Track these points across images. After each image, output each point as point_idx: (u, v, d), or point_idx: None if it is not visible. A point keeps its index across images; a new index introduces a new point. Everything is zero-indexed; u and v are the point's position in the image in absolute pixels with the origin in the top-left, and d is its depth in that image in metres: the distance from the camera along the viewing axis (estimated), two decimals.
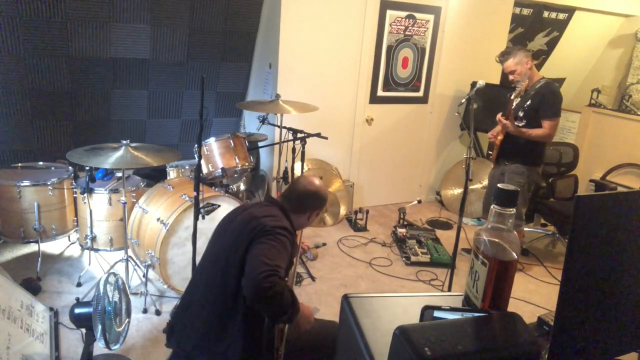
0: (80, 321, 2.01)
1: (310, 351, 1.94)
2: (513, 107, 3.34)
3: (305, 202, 1.99)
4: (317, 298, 3.19)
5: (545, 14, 5.27)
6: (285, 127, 3.57)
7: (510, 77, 3.37)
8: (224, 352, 1.75)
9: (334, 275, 3.52)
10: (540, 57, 5.75)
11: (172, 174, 3.59)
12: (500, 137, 3.45)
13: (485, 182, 4.80)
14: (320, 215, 4.35)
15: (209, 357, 1.78)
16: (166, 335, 1.95)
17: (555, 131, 3.29)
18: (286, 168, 3.70)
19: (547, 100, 3.24)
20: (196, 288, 1.89)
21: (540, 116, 3.26)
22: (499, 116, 3.35)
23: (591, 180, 5.04)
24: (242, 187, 4.15)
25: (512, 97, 3.29)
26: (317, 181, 2.04)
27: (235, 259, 1.74)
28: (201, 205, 2.66)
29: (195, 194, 2.54)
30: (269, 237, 1.72)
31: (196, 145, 2.80)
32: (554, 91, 3.31)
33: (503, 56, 3.38)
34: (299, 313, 1.75)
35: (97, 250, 3.39)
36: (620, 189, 4.45)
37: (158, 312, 2.88)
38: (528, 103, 3.32)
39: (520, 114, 3.36)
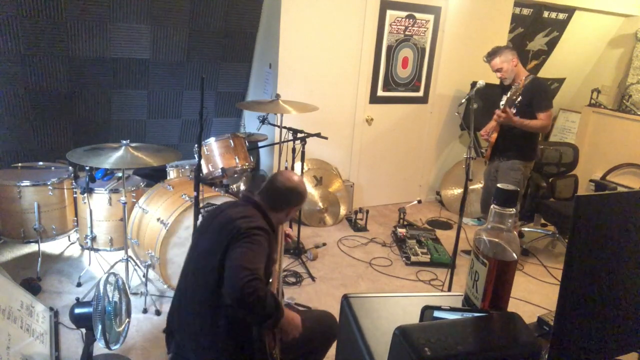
0: (80, 321, 2.01)
1: (305, 342, 1.91)
2: (503, 102, 3.48)
3: (283, 199, 1.93)
4: (317, 298, 3.19)
5: (545, 14, 5.27)
6: (285, 127, 3.57)
7: (498, 75, 3.51)
8: (217, 359, 1.75)
9: (334, 275, 3.52)
10: (540, 57, 5.74)
11: (172, 174, 3.59)
12: (494, 135, 3.52)
13: None
14: (320, 215, 4.38)
15: None
16: (165, 341, 1.94)
17: (550, 121, 3.44)
18: (286, 168, 3.70)
19: (538, 94, 3.39)
20: (184, 293, 1.86)
21: (535, 109, 3.37)
22: (497, 112, 3.40)
23: (591, 180, 5.04)
24: (242, 187, 4.15)
25: (509, 95, 3.40)
26: (295, 177, 1.97)
27: (214, 265, 1.70)
28: (201, 205, 2.66)
29: (195, 194, 2.54)
30: (245, 240, 1.68)
31: (196, 145, 2.80)
32: (543, 84, 3.56)
33: (489, 56, 3.51)
34: (284, 318, 1.70)
35: (97, 250, 3.39)
36: (620, 189, 4.45)
37: (158, 312, 2.88)
38: (519, 99, 3.41)
39: (513, 110, 3.41)
